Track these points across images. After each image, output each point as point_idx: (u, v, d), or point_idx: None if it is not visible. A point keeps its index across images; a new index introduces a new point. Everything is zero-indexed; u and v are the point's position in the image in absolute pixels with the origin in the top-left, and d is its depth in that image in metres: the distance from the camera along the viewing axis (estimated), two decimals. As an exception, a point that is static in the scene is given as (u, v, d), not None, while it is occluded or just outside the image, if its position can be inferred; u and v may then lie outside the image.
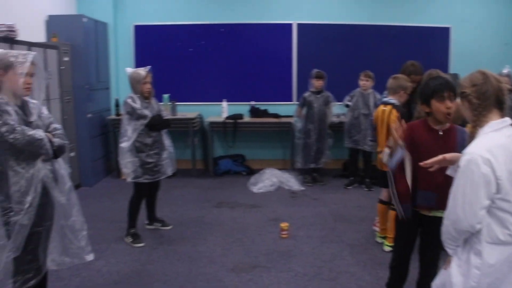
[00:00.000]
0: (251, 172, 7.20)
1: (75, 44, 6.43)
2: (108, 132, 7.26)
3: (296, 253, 4.29)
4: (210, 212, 5.51)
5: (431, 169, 2.32)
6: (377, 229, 4.56)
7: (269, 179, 6.54)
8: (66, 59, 6.29)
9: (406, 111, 4.09)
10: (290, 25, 7.46)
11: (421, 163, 2.35)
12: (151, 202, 4.92)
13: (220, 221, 5.21)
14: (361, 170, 6.57)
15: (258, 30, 7.51)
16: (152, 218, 4.98)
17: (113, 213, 5.42)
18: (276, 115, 7.36)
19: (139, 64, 7.19)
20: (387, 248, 4.18)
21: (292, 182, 6.52)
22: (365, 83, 6.19)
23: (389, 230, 4.18)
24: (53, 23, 6.48)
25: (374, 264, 4.02)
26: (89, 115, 6.66)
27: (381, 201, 4.37)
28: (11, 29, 4.87)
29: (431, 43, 7.52)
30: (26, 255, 2.71)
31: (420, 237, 2.96)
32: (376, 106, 4.84)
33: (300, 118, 6.61)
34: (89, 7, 7.29)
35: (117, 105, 7.27)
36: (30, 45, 5.29)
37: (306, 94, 6.48)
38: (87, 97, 6.62)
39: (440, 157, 2.26)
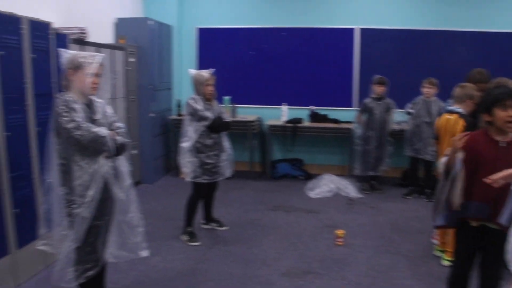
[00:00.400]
0: (309, 177, 7.17)
1: (140, 45, 6.65)
2: (169, 131, 7.45)
3: (351, 261, 4.23)
4: (266, 215, 5.53)
5: (495, 185, 2.23)
6: (435, 241, 4.42)
7: (326, 185, 6.50)
8: (132, 60, 6.50)
9: (472, 121, 3.95)
10: (352, 30, 7.37)
11: (487, 180, 2.25)
12: (209, 202, 5.00)
13: (275, 224, 5.22)
14: (421, 179, 6.39)
15: (320, 34, 7.48)
16: (208, 218, 5.06)
17: (171, 211, 5.55)
18: (335, 121, 7.29)
19: (201, 66, 7.33)
20: (446, 263, 4.05)
21: (349, 189, 6.44)
22: (428, 90, 6.02)
23: (449, 243, 4.04)
24: (121, 25, 6.75)
25: (431, 278, 3.90)
26: (152, 115, 6.85)
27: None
28: (82, 32, 5.10)
29: (501, 49, 7.17)
30: (86, 246, 2.84)
31: (481, 253, 2.85)
32: (440, 114, 4.71)
33: (360, 124, 6.52)
34: (155, 10, 7.52)
35: (178, 105, 7.46)
36: (99, 46, 5.51)
37: (367, 100, 6.39)
38: (151, 97, 6.82)
39: (508, 172, 2.16)
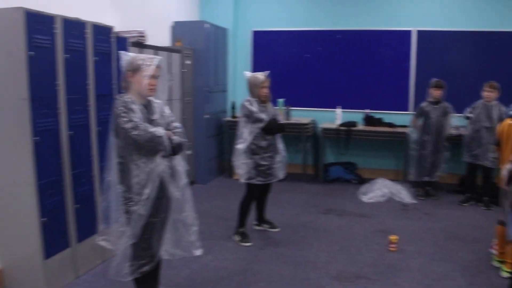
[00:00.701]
0: (362, 181, 7.10)
1: (196, 48, 6.78)
2: (223, 133, 7.55)
3: (403, 267, 4.16)
4: (318, 218, 5.52)
5: None
6: (494, 251, 4.26)
7: (380, 189, 6.41)
8: (188, 62, 6.65)
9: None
10: (409, 32, 7.23)
11: None
12: (261, 203, 5.04)
13: (327, 227, 5.20)
14: (479, 187, 6.19)
15: (375, 37, 7.39)
16: (261, 219, 5.11)
17: (224, 211, 5.64)
18: (390, 125, 7.18)
19: (256, 68, 7.41)
20: (505, 274, 3.90)
21: (403, 194, 6.32)
22: (489, 94, 5.81)
23: (509, 254, 3.90)
24: (178, 28, 6.91)
25: (488, 288, 3.79)
26: (206, 116, 6.97)
27: (502, 222, 4.07)
28: (141, 35, 5.26)
29: None
30: (142, 242, 2.93)
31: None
32: (501, 119, 4.56)
33: (416, 129, 6.37)
34: (211, 13, 7.67)
35: (233, 107, 7.55)
36: (156, 49, 5.68)
37: (424, 104, 6.24)
38: (206, 99, 6.94)
39: None
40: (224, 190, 6.70)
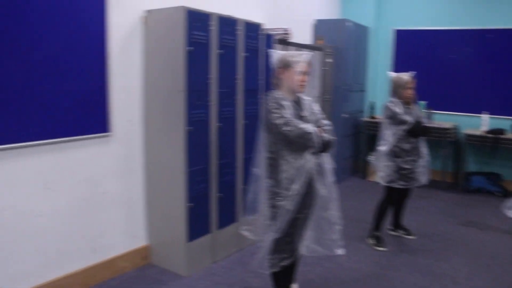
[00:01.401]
0: (507, 194, 6.57)
1: (337, 46, 6.74)
2: (359, 133, 7.44)
3: (558, 294, 3.78)
4: (456, 230, 5.21)
5: None
6: None
7: (528, 205, 5.88)
8: (329, 60, 6.63)
9: None
10: None
11: None
12: (399, 208, 4.89)
13: (466, 241, 4.89)
14: None
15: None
16: (397, 224, 4.96)
17: (357, 212, 5.57)
18: (545, 135, 6.56)
19: (397, 68, 7.18)
20: None
21: (557, 212, 5.74)
22: None
23: None
24: (320, 26, 6.95)
25: None
26: (344, 115, 6.91)
27: None
28: (286, 33, 5.36)
29: None
30: (285, 237, 2.97)
31: None
32: None
33: None
34: (353, 11, 7.60)
35: (371, 107, 7.40)
36: (299, 46, 5.74)
37: None
38: (344, 97, 6.89)
39: None
40: (358, 191, 6.61)
